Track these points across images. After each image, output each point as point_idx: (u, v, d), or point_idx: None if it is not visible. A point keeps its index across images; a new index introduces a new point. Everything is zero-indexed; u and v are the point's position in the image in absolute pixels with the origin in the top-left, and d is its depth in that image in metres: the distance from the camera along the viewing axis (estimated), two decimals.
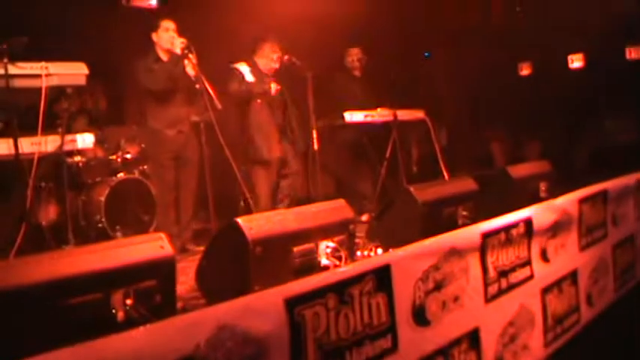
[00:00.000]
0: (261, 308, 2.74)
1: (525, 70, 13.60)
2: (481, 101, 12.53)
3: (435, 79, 12.40)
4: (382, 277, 3.37)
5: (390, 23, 10.49)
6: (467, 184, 5.92)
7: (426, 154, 9.43)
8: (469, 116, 12.80)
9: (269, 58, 7.64)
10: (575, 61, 12.83)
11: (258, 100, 7.48)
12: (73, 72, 5.56)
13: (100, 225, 7.70)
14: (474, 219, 5.17)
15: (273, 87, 7.47)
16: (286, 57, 7.37)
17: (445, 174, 8.42)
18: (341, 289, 3.11)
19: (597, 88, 11.77)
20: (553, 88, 12.38)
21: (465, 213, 5.64)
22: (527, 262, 4.73)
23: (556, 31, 11.81)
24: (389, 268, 3.41)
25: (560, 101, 12.18)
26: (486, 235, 4.26)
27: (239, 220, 4.07)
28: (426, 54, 12.83)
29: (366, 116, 8.10)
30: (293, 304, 2.86)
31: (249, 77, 7.47)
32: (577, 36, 11.99)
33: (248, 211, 7.07)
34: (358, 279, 3.21)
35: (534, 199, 5.86)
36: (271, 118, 7.61)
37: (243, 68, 7.48)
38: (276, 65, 7.65)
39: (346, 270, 3.27)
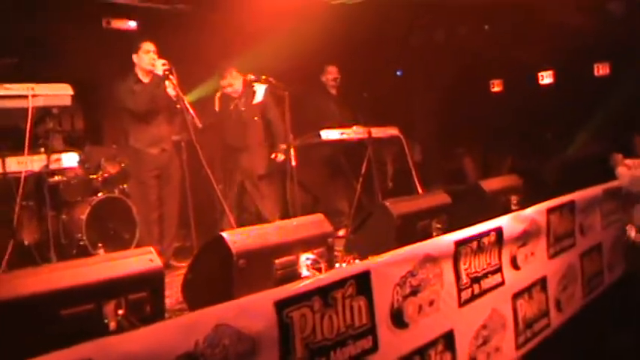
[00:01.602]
0: (254, 310, 2.94)
1: (497, 87, 13.78)
2: (453, 118, 12.66)
3: (407, 96, 12.56)
4: (362, 282, 3.56)
5: (363, 42, 10.65)
6: (440, 198, 6.09)
7: (401, 169, 9.56)
8: (442, 132, 12.97)
9: (234, 84, 8.07)
10: (546, 78, 13.04)
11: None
12: (58, 93, 5.70)
13: (81, 243, 7.74)
14: (448, 231, 5.30)
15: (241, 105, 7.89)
16: (263, 77, 7.53)
17: (419, 189, 8.56)
18: (325, 292, 3.31)
19: (567, 103, 11.97)
20: (524, 104, 12.57)
21: (438, 225, 5.79)
22: (499, 269, 4.90)
23: (525, 48, 12.00)
24: (369, 274, 3.61)
25: (531, 116, 12.39)
26: (459, 244, 4.44)
27: (224, 233, 4.22)
28: (398, 72, 13.00)
29: (342, 134, 8.23)
30: (282, 306, 3.06)
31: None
32: (546, 53, 12.20)
33: (227, 225, 7.21)
34: (341, 284, 3.41)
35: (506, 211, 5.96)
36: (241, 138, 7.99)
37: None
38: (239, 90, 8.08)
39: (330, 275, 3.46)
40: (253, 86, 8.05)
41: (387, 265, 3.79)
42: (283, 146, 7.82)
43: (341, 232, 8.15)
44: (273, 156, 8.02)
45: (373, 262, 3.76)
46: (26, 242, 7.25)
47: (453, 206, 6.03)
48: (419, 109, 12.81)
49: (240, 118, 8.03)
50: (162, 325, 2.68)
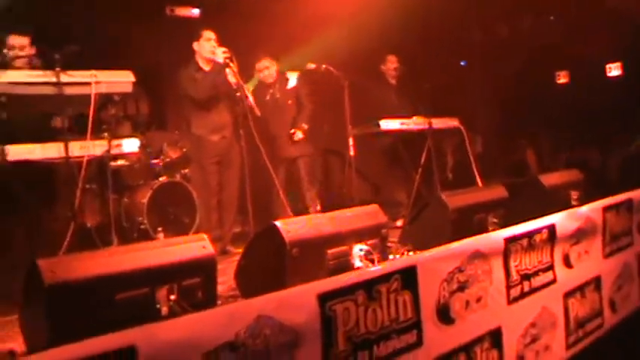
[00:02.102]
0: (296, 302, 3.00)
1: (563, 79, 13.56)
2: (517, 109, 12.52)
3: (470, 87, 12.46)
4: (408, 276, 3.60)
5: (426, 32, 10.60)
6: (498, 192, 6.05)
7: (462, 161, 9.52)
8: (505, 124, 12.83)
9: (264, 73, 8.16)
10: (614, 70, 12.77)
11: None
12: (120, 80, 5.78)
13: (142, 226, 7.91)
14: (504, 225, 5.26)
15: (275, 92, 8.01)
16: (323, 66, 7.57)
17: (478, 181, 8.51)
18: (369, 286, 3.35)
19: (634, 96, 11.72)
20: (590, 95, 12.34)
21: (495, 220, 5.77)
22: (550, 267, 4.88)
23: (592, 39, 11.78)
24: (415, 269, 3.64)
25: (597, 109, 12.16)
26: (509, 240, 4.44)
27: (277, 222, 4.27)
28: (462, 62, 12.90)
29: (401, 124, 8.26)
30: (325, 299, 3.11)
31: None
32: (615, 44, 11.95)
33: (285, 212, 7.32)
34: (386, 278, 3.45)
35: (565, 207, 5.88)
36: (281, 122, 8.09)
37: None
38: (272, 80, 8.18)
39: (374, 270, 3.50)
40: (286, 74, 8.19)
41: (434, 260, 3.81)
42: (305, 126, 8.04)
43: (398, 223, 8.17)
44: (292, 131, 8.09)
45: (420, 256, 3.79)
46: (88, 224, 7.42)
47: (510, 200, 5.98)
48: (482, 99, 12.69)
49: (276, 105, 8.14)
50: (205, 314, 2.76)
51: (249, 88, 7.22)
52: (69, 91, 5.46)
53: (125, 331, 2.48)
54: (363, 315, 3.29)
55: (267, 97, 8.12)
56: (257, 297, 2.90)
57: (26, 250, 5.78)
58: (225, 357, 2.65)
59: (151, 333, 2.51)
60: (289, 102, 8.18)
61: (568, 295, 5.03)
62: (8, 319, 4.79)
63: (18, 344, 3.94)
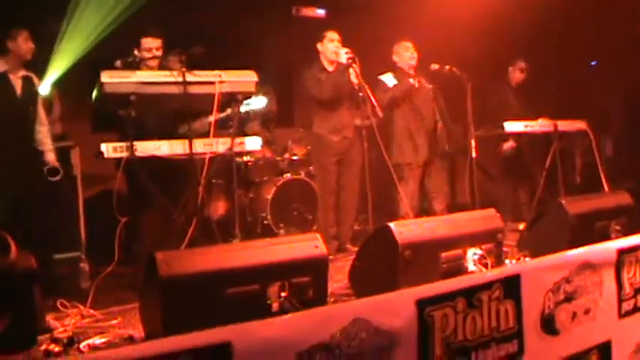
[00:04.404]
0: (394, 307, 3.03)
1: None
2: None
3: (601, 88, 12.09)
4: (511, 285, 3.57)
5: (556, 33, 10.38)
6: (622, 198, 5.89)
7: (590, 165, 9.30)
8: (637, 127, 12.38)
9: (404, 56, 7.89)
10: None
11: (402, 106, 7.76)
12: (243, 79, 5.92)
13: (265, 222, 8.11)
14: (628, 233, 5.12)
15: (415, 82, 7.73)
16: (447, 67, 7.53)
17: (605, 186, 8.29)
18: (470, 294, 3.36)
19: None
20: None
21: (617, 227, 5.61)
22: None
23: None
24: (518, 278, 3.61)
25: None
26: (623, 252, 4.32)
27: (391, 224, 4.32)
28: (593, 63, 12.52)
29: (526, 126, 8.14)
30: (424, 305, 3.14)
31: (392, 82, 7.75)
32: None
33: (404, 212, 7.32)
34: (487, 286, 3.44)
35: None
36: (418, 120, 7.84)
37: (387, 78, 7.78)
38: (413, 62, 7.88)
39: (476, 277, 3.50)
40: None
41: (540, 270, 3.77)
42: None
43: (521, 226, 8.04)
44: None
45: (524, 265, 3.77)
46: (214, 218, 7.65)
47: (636, 207, 5.82)
48: (613, 101, 12.29)
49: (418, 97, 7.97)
50: (301, 314, 2.84)
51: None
52: (194, 90, 5.65)
53: (221, 328, 2.57)
54: (462, 322, 3.30)
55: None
56: (355, 300, 2.96)
57: (152, 242, 6.01)
58: (320, 357, 2.72)
59: (246, 330, 2.60)
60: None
61: None
62: (130, 306, 5.05)
63: (137, 331, 4.15)
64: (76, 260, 6.54)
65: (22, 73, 6.16)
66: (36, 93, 6.35)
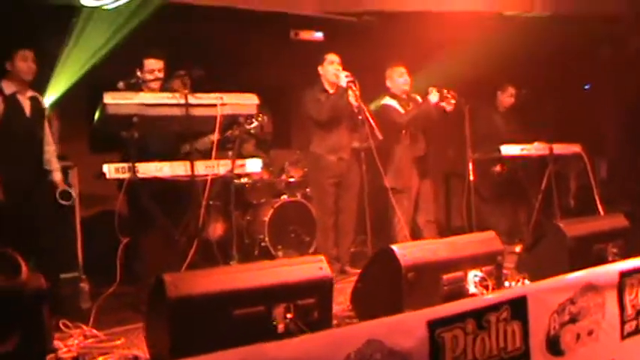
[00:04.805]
0: (406, 328, 3.07)
1: None
2: None
3: (595, 111, 12.15)
4: (518, 307, 3.61)
5: (546, 55, 10.45)
6: (618, 221, 5.95)
7: (585, 187, 9.34)
8: (632, 149, 12.43)
9: (397, 81, 7.94)
10: None
11: (403, 131, 7.79)
12: (245, 102, 5.95)
13: (262, 244, 8.11)
14: (625, 256, 5.17)
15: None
16: (445, 90, 7.59)
17: (600, 209, 8.35)
18: (479, 315, 3.39)
19: None
20: None
21: (614, 250, 5.67)
22: None
23: None
24: (525, 300, 3.65)
25: None
26: (625, 274, 4.36)
27: (393, 246, 4.35)
28: (586, 86, 12.59)
29: (522, 149, 8.20)
30: (435, 326, 3.18)
31: (398, 107, 7.82)
32: None
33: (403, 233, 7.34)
34: (495, 307, 3.48)
35: None
36: (413, 144, 7.90)
37: (391, 102, 7.85)
38: (407, 87, 7.94)
39: (485, 299, 3.53)
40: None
41: (545, 291, 3.82)
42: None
43: (517, 249, 8.08)
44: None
45: (530, 287, 3.81)
46: (212, 239, 7.67)
47: (632, 230, 5.87)
48: (607, 124, 12.34)
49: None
50: (315, 336, 2.87)
51: (370, 110, 7.27)
52: (196, 112, 5.68)
53: (237, 349, 2.59)
54: (472, 343, 3.34)
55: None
56: (368, 321, 2.98)
57: (152, 262, 6.03)
58: None
59: (261, 352, 2.62)
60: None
61: None
62: (133, 326, 5.06)
63: (142, 351, 4.15)
64: (76, 280, 6.52)
65: (30, 93, 6.18)
66: (43, 113, 6.36)
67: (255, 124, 7.78)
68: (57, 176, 6.37)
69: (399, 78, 7.92)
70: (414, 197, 7.91)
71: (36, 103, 6.22)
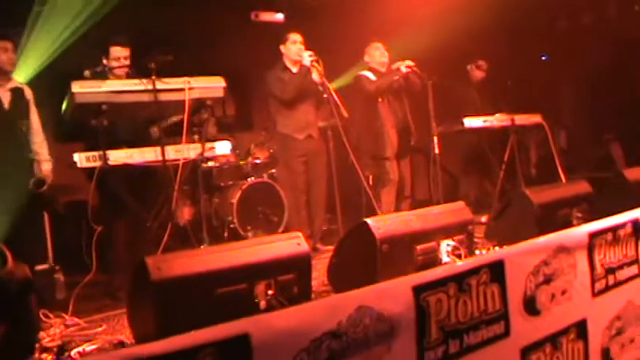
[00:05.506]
0: (393, 293, 3.19)
1: None
2: (603, 103, 12.27)
3: (554, 82, 12.32)
4: (496, 270, 3.75)
5: (506, 28, 10.58)
6: (582, 187, 6.07)
7: (545, 157, 9.50)
8: (590, 118, 12.62)
9: (374, 55, 8.08)
10: None
11: (380, 99, 7.89)
12: (212, 85, 5.98)
13: (232, 225, 8.19)
14: (589, 220, 5.29)
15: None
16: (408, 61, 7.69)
17: (562, 177, 8.51)
18: (460, 279, 3.53)
19: None
20: None
21: (579, 214, 5.80)
22: (635, 261, 4.90)
23: None
24: (502, 263, 3.79)
25: None
26: (593, 235, 4.51)
27: (368, 220, 4.42)
28: (543, 57, 12.75)
29: (484, 122, 8.33)
30: (420, 290, 3.31)
31: (373, 78, 7.89)
32: None
33: (372, 210, 7.41)
34: (475, 271, 3.61)
35: None
36: (393, 115, 8.00)
37: (367, 73, 7.90)
38: (385, 59, 8.08)
39: (465, 263, 3.66)
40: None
41: (521, 254, 3.95)
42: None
43: (483, 219, 8.20)
44: None
45: (507, 251, 3.93)
46: (181, 223, 7.71)
47: (595, 195, 6.00)
48: (566, 94, 12.52)
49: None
50: (311, 304, 2.98)
51: (334, 87, 7.33)
52: (164, 97, 5.71)
53: (238, 321, 2.68)
54: (454, 306, 3.46)
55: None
56: (358, 289, 3.09)
57: (125, 249, 6.06)
58: (329, 344, 2.86)
59: (262, 322, 2.72)
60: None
61: None
62: (112, 313, 5.09)
63: (126, 336, 4.20)
64: (51, 271, 6.51)
65: (11, 85, 6.16)
66: (27, 104, 6.30)
67: None
68: (45, 166, 6.34)
69: (375, 52, 8.04)
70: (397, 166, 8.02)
71: (18, 94, 6.19)
